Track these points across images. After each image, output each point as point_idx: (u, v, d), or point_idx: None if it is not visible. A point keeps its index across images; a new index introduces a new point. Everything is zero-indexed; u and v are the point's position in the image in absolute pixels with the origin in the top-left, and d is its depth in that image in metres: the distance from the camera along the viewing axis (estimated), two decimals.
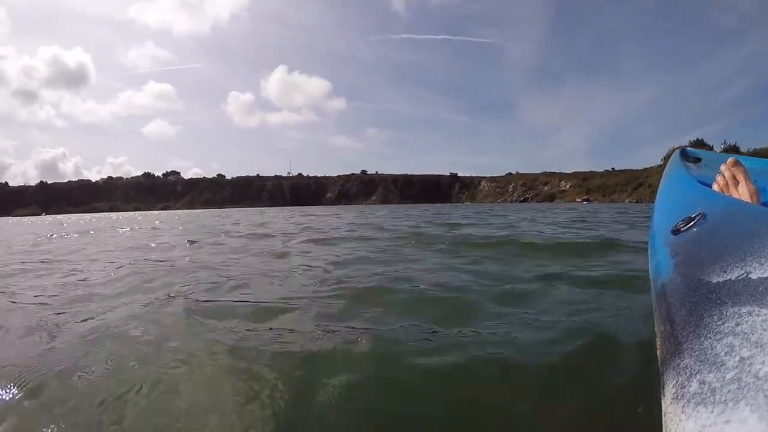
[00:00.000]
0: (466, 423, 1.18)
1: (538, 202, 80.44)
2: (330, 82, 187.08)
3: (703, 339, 0.43)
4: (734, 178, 0.96)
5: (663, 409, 0.41)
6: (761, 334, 0.38)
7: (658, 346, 0.50)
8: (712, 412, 0.34)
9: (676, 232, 0.70)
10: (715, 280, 0.49)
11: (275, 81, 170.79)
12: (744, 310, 0.42)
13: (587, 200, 70.00)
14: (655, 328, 0.54)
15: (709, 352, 0.41)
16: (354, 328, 1.86)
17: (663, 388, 0.43)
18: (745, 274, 0.46)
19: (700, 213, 0.69)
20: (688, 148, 1.69)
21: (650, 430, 0.60)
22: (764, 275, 0.44)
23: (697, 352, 0.42)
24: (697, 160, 1.60)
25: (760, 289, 0.43)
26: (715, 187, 1.00)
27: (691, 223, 0.68)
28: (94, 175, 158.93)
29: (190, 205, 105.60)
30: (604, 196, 73.93)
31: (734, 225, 0.63)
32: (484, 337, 1.71)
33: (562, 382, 1.38)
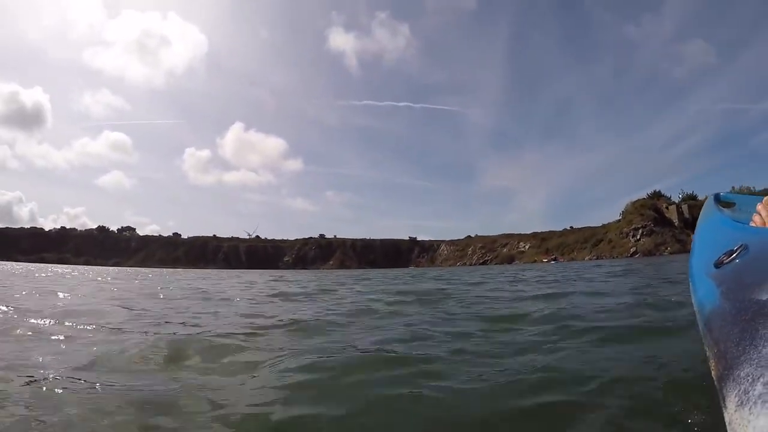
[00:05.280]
0: None
1: (497, 264, 77.58)
2: (286, 142, 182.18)
3: (761, 348, 0.44)
4: None
5: (727, 420, 0.42)
6: None
7: (713, 367, 0.51)
8: None
9: (718, 264, 0.71)
10: (766, 297, 0.50)
11: (231, 138, 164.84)
12: None
13: (554, 260, 67.06)
14: (707, 353, 0.55)
15: None
16: None
17: (724, 401, 0.44)
18: None
19: (741, 245, 0.70)
20: (722, 194, 1.63)
21: None
22: None
23: (756, 360, 0.43)
24: (731, 204, 1.55)
25: None
26: (752, 225, 1.00)
27: (734, 255, 0.69)
28: (49, 224, 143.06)
29: (143, 263, 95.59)
30: (564, 255, 71.91)
31: None
32: None
33: None
